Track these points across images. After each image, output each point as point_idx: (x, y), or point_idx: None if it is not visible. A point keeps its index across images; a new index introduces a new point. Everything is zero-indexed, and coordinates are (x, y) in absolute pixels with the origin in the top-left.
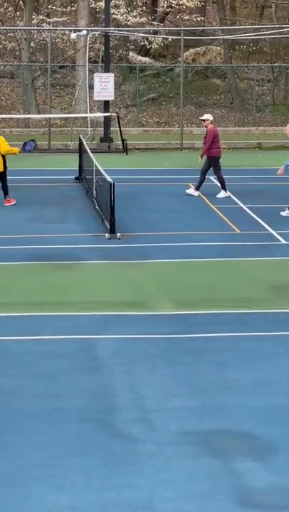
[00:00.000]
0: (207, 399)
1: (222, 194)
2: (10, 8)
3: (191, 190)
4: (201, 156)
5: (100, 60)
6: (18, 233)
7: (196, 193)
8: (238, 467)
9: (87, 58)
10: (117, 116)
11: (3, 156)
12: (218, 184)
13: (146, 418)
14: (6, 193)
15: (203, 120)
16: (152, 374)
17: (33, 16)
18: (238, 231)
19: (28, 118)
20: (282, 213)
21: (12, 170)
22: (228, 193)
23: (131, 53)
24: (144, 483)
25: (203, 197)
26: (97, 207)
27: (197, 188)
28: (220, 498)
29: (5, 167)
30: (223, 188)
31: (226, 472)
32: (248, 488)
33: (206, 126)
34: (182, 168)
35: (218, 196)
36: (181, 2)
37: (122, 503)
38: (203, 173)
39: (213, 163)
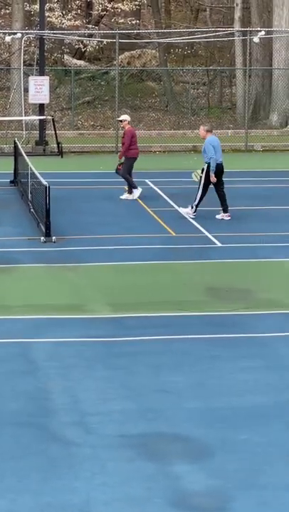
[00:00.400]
0: (143, 402)
1: (125, 196)
2: None
3: (126, 195)
4: (120, 157)
5: (35, 63)
6: None
7: (132, 196)
8: (175, 470)
9: (21, 61)
10: (52, 119)
11: None
12: (127, 187)
13: (83, 421)
14: None
15: (120, 121)
16: (88, 377)
17: None
18: (174, 234)
19: None
20: (218, 216)
21: None
22: (133, 195)
23: (66, 56)
24: (80, 486)
25: (138, 200)
26: (32, 210)
27: (130, 192)
28: (156, 501)
29: None
30: (130, 191)
31: (163, 475)
32: (185, 490)
33: (123, 127)
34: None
35: (121, 197)
36: (116, 5)
37: (58, 507)
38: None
39: (128, 163)
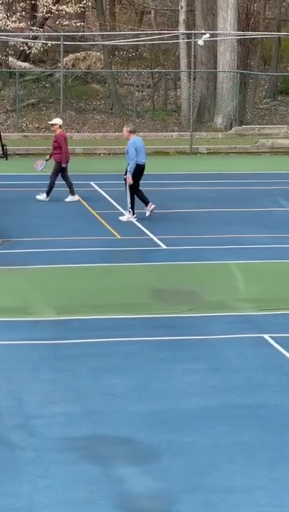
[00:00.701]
0: (87, 404)
1: (42, 197)
2: None
3: (70, 198)
4: (49, 158)
5: None
6: None
7: (76, 198)
8: (118, 472)
9: None
10: None
11: None
12: (47, 188)
13: (27, 424)
14: None
15: (52, 124)
16: (33, 380)
17: None
18: (119, 236)
19: None
20: (121, 218)
21: None
22: (47, 198)
23: (10, 58)
24: (23, 490)
25: (83, 202)
26: None
27: (73, 193)
28: (100, 504)
29: None
30: (48, 193)
31: (106, 478)
32: (129, 493)
33: (54, 131)
34: None
35: (38, 197)
36: (60, 7)
37: (1, 511)
38: (64, 178)
39: (58, 166)
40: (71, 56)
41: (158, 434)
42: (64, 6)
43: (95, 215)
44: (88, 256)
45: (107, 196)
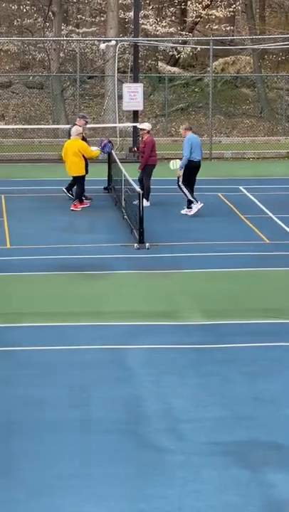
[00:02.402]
0: (237, 409)
1: (146, 203)
2: (39, 19)
3: (146, 202)
4: (141, 168)
5: (129, 70)
6: (46, 243)
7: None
8: (269, 478)
9: (116, 68)
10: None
11: (86, 160)
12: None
13: (176, 428)
14: (76, 197)
15: (141, 129)
16: (181, 384)
17: (62, 27)
18: (268, 241)
19: (57, 128)
20: (187, 212)
21: (40, 180)
22: (148, 203)
23: (160, 63)
24: (173, 493)
25: (231, 206)
26: (126, 217)
27: (147, 199)
28: (250, 509)
29: (87, 171)
30: (147, 198)
31: (257, 483)
32: (280, 499)
33: (142, 136)
34: (211, 178)
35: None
36: (210, 12)
37: None
38: (140, 181)
39: (148, 171)
40: (220, 60)
41: None
42: (214, 11)
43: (244, 219)
44: (236, 260)
45: (256, 201)
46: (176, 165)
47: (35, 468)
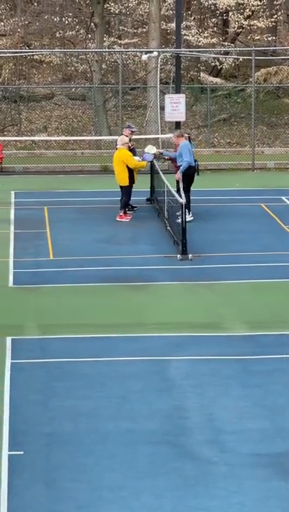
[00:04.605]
0: (280, 421)
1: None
2: (81, 31)
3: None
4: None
5: (171, 81)
6: (89, 255)
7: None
8: None
9: (158, 79)
10: (189, 137)
11: (131, 171)
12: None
13: (218, 440)
14: (122, 206)
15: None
16: (224, 395)
17: (105, 38)
18: None
19: (100, 140)
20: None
21: (83, 191)
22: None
23: (202, 74)
24: (216, 505)
25: (274, 217)
26: (168, 228)
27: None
28: None
29: (132, 181)
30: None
31: None
32: None
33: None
34: (254, 189)
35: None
36: (252, 22)
37: None
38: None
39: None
40: (263, 71)
41: None
42: (256, 21)
43: (287, 229)
44: (279, 271)
45: None
46: (152, 150)
47: (81, 480)
